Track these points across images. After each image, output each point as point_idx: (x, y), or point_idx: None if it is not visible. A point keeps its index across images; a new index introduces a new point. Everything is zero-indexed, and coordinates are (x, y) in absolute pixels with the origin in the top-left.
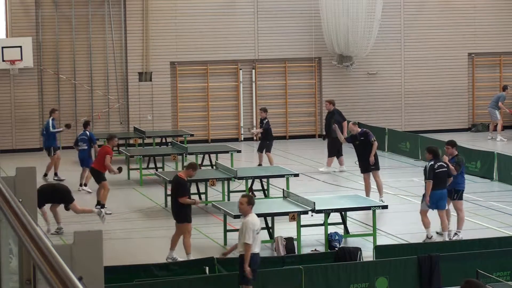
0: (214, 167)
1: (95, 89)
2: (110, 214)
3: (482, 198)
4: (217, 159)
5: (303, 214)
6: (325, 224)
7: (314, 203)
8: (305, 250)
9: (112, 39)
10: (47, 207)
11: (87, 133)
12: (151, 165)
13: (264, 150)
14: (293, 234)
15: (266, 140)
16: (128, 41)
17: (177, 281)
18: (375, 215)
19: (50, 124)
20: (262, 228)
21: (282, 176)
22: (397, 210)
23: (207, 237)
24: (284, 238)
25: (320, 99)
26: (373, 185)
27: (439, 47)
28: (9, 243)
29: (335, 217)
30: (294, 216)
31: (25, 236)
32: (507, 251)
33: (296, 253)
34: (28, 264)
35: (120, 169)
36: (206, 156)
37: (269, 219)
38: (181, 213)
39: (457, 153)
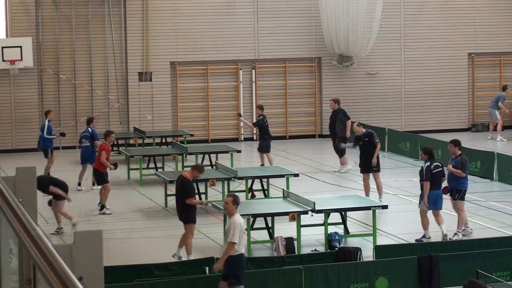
0: (214, 167)
1: (95, 89)
2: (110, 214)
3: (482, 198)
4: (217, 159)
5: (303, 214)
6: (325, 224)
7: (314, 203)
8: (305, 250)
9: (112, 39)
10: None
11: (89, 129)
12: (151, 165)
13: (263, 150)
14: (293, 234)
15: (262, 139)
16: (128, 41)
17: (177, 281)
18: (375, 215)
19: (46, 127)
20: (262, 228)
21: (282, 176)
22: (397, 210)
23: (207, 237)
24: (284, 238)
25: (320, 99)
26: (373, 185)
27: (439, 47)
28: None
29: (335, 217)
30: (294, 216)
31: (25, 236)
32: (507, 251)
33: (296, 253)
34: (28, 264)
35: (115, 165)
36: (206, 156)
37: (269, 219)
38: (187, 214)
39: (460, 152)
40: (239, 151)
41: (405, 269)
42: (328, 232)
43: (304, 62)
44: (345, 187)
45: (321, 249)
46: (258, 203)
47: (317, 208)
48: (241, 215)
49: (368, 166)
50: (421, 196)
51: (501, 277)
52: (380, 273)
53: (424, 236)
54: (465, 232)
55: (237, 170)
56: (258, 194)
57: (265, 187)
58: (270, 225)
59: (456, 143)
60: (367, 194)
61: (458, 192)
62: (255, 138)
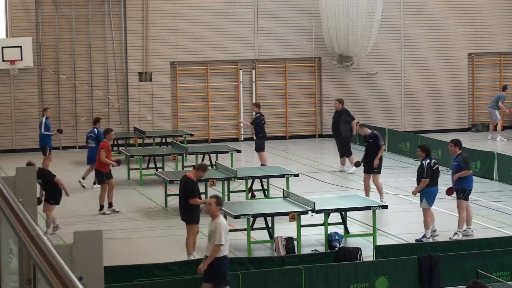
0: (214, 167)
1: (95, 89)
2: (109, 214)
3: (482, 198)
4: (217, 159)
5: (303, 214)
6: (325, 224)
7: (314, 203)
8: (305, 250)
9: (112, 39)
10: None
11: (95, 130)
12: (151, 165)
13: (258, 149)
14: (293, 234)
15: (256, 138)
16: (128, 41)
17: (177, 281)
18: (375, 215)
19: (43, 124)
20: (262, 228)
21: (282, 176)
22: (397, 210)
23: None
24: (284, 238)
25: (320, 99)
26: (373, 186)
27: (439, 47)
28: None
29: (335, 217)
30: (294, 216)
31: (25, 236)
32: (507, 251)
33: (296, 253)
34: (28, 264)
35: (118, 161)
36: (206, 156)
37: (269, 219)
38: (190, 214)
39: (460, 151)
40: (239, 151)
41: (405, 269)
42: (328, 232)
43: (304, 62)
44: (345, 187)
45: (321, 249)
46: (258, 203)
47: (317, 208)
48: (241, 215)
49: (370, 167)
50: (424, 194)
51: (501, 277)
52: (380, 273)
53: (424, 236)
54: (466, 232)
55: (237, 170)
56: (258, 194)
57: (265, 187)
58: (270, 225)
59: (456, 142)
60: (367, 194)
61: (463, 192)
62: (255, 138)
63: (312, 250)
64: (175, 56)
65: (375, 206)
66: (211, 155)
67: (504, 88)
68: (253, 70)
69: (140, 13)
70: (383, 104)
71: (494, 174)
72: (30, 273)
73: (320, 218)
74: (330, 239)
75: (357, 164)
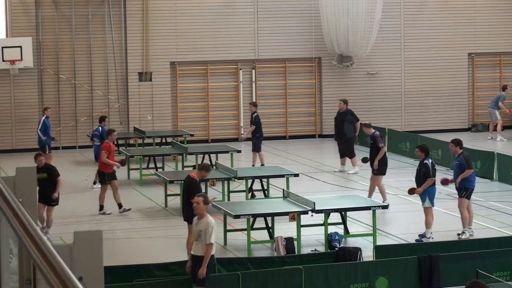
0: (214, 167)
1: (95, 89)
2: (110, 214)
3: (482, 198)
4: (217, 159)
5: (303, 214)
6: (325, 224)
7: (314, 203)
8: (305, 250)
9: (112, 39)
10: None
11: (100, 128)
12: (151, 165)
13: (252, 148)
14: (293, 234)
15: (253, 138)
16: (128, 41)
17: (177, 281)
18: (375, 215)
19: (41, 122)
20: (262, 228)
21: (282, 176)
22: (397, 210)
23: None
24: (284, 238)
25: (320, 99)
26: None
27: (439, 47)
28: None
29: (335, 217)
30: (294, 216)
31: (25, 236)
32: (507, 251)
33: (296, 253)
34: (28, 264)
35: (122, 162)
36: (206, 156)
37: (269, 219)
38: (193, 214)
39: (461, 151)
40: (239, 151)
41: (405, 269)
42: (328, 232)
43: (304, 62)
44: (345, 187)
45: (321, 249)
46: (258, 203)
47: (317, 208)
48: (241, 215)
49: (373, 168)
50: (427, 193)
51: (501, 277)
52: (380, 273)
53: (424, 236)
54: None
55: (237, 170)
56: (258, 194)
57: (265, 187)
58: (270, 225)
59: (457, 142)
60: (369, 195)
61: (465, 191)
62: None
63: (312, 250)
64: (175, 56)
65: (375, 206)
66: (211, 155)
67: (504, 88)
68: (253, 70)
69: (140, 13)
70: (383, 104)
71: (494, 174)
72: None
73: (320, 218)
74: (330, 239)
75: (364, 160)
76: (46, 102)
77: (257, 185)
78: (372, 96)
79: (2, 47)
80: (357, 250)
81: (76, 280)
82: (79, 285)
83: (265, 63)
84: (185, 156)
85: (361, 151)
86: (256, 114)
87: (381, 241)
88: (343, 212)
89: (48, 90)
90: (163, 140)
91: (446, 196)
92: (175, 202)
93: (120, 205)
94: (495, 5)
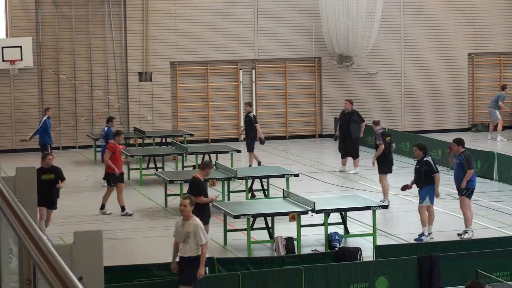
0: (214, 167)
1: (95, 89)
2: (110, 214)
3: (482, 198)
4: (217, 159)
5: (303, 214)
6: (325, 224)
7: (314, 203)
8: (305, 250)
9: (112, 39)
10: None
11: (105, 129)
12: (151, 165)
13: (247, 148)
14: (293, 234)
15: (248, 138)
16: (128, 41)
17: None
18: (375, 215)
19: (43, 122)
20: (262, 228)
21: (282, 176)
22: (397, 210)
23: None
24: (284, 238)
25: (320, 99)
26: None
27: (439, 47)
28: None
29: (335, 217)
30: (294, 216)
31: (25, 236)
32: (507, 251)
33: (296, 253)
34: (28, 264)
35: (121, 174)
36: (206, 156)
37: (269, 219)
38: (198, 214)
39: (463, 150)
40: (239, 151)
41: (405, 269)
42: (328, 232)
43: (304, 62)
44: (345, 187)
45: (321, 249)
46: (258, 203)
47: (317, 208)
48: (241, 215)
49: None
50: (427, 192)
51: (501, 277)
52: (380, 273)
53: (422, 234)
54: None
55: (237, 170)
56: (258, 194)
57: (265, 187)
58: (270, 225)
59: (458, 142)
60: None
61: (466, 189)
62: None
63: (312, 250)
64: (175, 56)
65: (375, 206)
66: (211, 155)
67: (504, 88)
68: (253, 70)
69: (140, 13)
70: (383, 104)
71: (494, 174)
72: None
73: (320, 218)
74: (330, 239)
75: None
76: (46, 102)
77: (257, 185)
78: (372, 96)
79: (2, 47)
80: (357, 250)
81: (76, 280)
82: (79, 285)
83: (265, 63)
84: (185, 156)
85: (364, 152)
86: (251, 113)
87: (381, 241)
88: (343, 212)
89: (48, 90)
90: (163, 140)
91: (446, 196)
92: (175, 202)
93: (123, 208)
94: (495, 5)
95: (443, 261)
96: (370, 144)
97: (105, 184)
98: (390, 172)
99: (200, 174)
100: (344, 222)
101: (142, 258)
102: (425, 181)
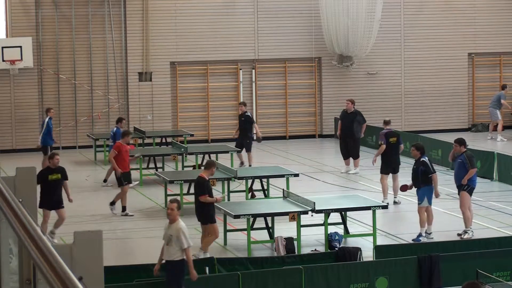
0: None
1: (95, 89)
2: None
3: (482, 198)
4: (217, 159)
5: (303, 214)
6: (325, 224)
7: (314, 203)
8: (305, 250)
9: (112, 39)
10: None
11: (114, 129)
12: (151, 165)
13: (246, 149)
14: (293, 234)
15: (246, 138)
16: (128, 41)
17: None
18: (375, 215)
19: (46, 124)
20: (262, 228)
21: (282, 176)
22: (397, 210)
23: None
24: (284, 238)
25: (320, 99)
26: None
27: (439, 47)
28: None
29: (335, 217)
30: (294, 216)
31: (25, 236)
32: (507, 251)
33: (296, 253)
34: (28, 264)
35: (127, 178)
36: (206, 156)
37: (269, 219)
38: (204, 213)
39: (465, 150)
40: (239, 151)
41: (405, 269)
42: (328, 232)
43: (304, 62)
44: (345, 187)
45: (321, 249)
46: (258, 203)
47: (317, 208)
48: (241, 215)
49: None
50: (425, 193)
51: (501, 277)
52: (380, 273)
53: (420, 235)
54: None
55: (237, 170)
56: (258, 194)
57: (265, 187)
58: (270, 225)
59: (460, 142)
60: (395, 193)
61: (467, 185)
62: (255, 138)
63: (312, 250)
64: (175, 56)
65: (375, 206)
66: (211, 155)
67: (504, 87)
68: (253, 70)
69: (140, 13)
70: (383, 104)
71: (494, 174)
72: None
73: (320, 218)
74: (330, 239)
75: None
76: (46, 102)
77: (257, 185)
78: (372, 96)
79: (2, 47)
80: (357, 250)
81: (76, 280)
82: (79, 285)
83: (265, 63)
84: (185, 156)
85: (364, 152)
86: (247, 113)
87: (381, 241)
88: (343, 212)
89: (48, 90)
90: (163, 140)
91: (446, 196)
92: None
93: (124, 208)
94: (495, 5)
95: (443, 261)
96: (370, 144)
97: (108, 185)
98: (392, 172)
99: (205, 173)
100: (344, 222)
101: (142, 258)
102: (422, 181)
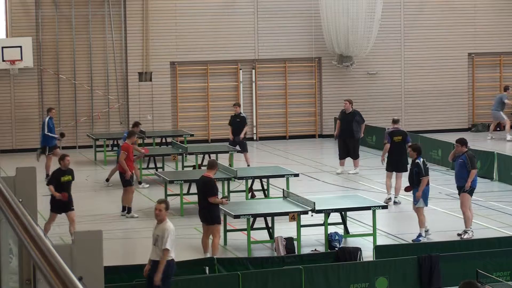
0: None
1: (95, 89)
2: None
3: (482, 198)
4: (217, 159)
5: (303, 214)
6: (325, 224)
7: (314, 203)
8: (305, 250)
9: (112, 39)
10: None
11: (127, 131)
12: (151, 165)
13: (242, 149)
14: (293, 234)
15: (244, 138)
16: (128, 41)
17: (177, 281)
18: (375, 215)
19: (46, 124)
20: (262, 228)
21: (282, 176)
22: (397, 210)
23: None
24: (284, 238)
25: (320, 99)
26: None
27: (439, 47)
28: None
29: (335, 217)
30: (294, 216)
31: (25, 236)
32: (507, 251)
33: (296, 253)
34: (28, 264)
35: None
36: (206, 156)
37: (269, 219)
38: (212, 214)
39: (466, 150)
40: (239, 151)
41: (405, 269)
42: (328, 232)
43: (304, 62)
44: (345, 187)
45: (321, 249)
46: (258, 203)
47: (317, 208)
48: (241, 215)
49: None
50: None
51: (501, 277)
52: (380, 273)
53: (420, 235)
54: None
55: (237, 170)
56: (258, 194)
57: (265, 187)
58: (270, 225)
59: (462, 142)
60: (395, 193)
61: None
62: (255, 138)
63: (312, 250)
64: (175, 56)
65: (375, 206)
66: (211, 155)
67: (506, 89)
68: (253, 70)
69: (140, 13)
70: (383, 104)
71: (494, 174)
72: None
73: (320, 218)
74: (330, 239)
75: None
76: (46, 102)
77: (257, 185)
78: (372, 96)
79: (2, 47)
80: (357, 250)
81: (76, 280)
82: (79, 285)
83: (265, 63)
84: (185, 156)
85: (364, 152)
86: (243, 115)
87: (381, 241)
88: (343, 212)
89: (48, 90)
90: (163, 140)
91: (446, 196)
92: (175, 202)
93: (124, 208)
94: (495, 5)
95: (443, 261)
96: (370, 144)
97: (109, 184)
98: (396, 171)
99: (210, 173)
100: (344, 222)
101: (142, 258)
102: (416, 183)
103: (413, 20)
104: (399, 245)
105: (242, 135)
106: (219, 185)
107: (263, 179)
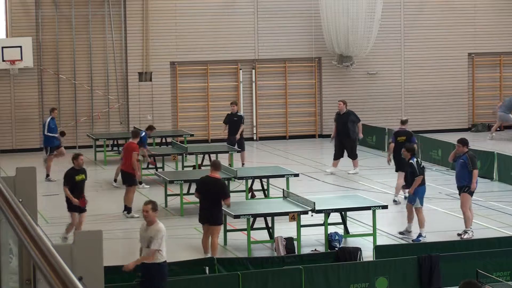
0: None
1: (95, 89)
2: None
3: (482, 198)
4: (217, 159)
5: (303, 214)
6: (325, 224)
7: (314, 203)
8: (305, 250)
9: (112, 39)
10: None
11: (142, 133)
12: (151, 165)
13: (239, 148)
14: (293, 234)
15: (241, 138)
16: (128, 41)
17: (177, 281)
18: (375, 215)
19: (47, 124)
20: (262, 228)
21: (282, 176)
22: (397, 210)
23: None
24: (284, 238)
25: (320, 99)
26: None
27: (439, 47)
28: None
29: (335, 217)
30: (294, 216)
31: (25, 236)
32: (507, 251)
33: (296, 253)
34: (28, 264)
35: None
36: (206, 156)
37: (269, 219)
38: (217, 215)
39: (467, 150)
40: (239, 151)
41: (405, 269)
42: (328, 232)
43: (304, 62)
44: (345, 187)
45: (321, 249)
46: (258, 203)
47: (317, 208)
48: (241, 215)
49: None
50: (416, 193)
51: (501, 277)
52: (380, 273)
53: (420, 235)
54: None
55: (237, 170)
56: (258, 194)
57: (265, 187)
58: (270, 225)
59: (463, 142)
60: (395, 192)
61: (467, 187)
62: (255, 138)
63: (312, 250)
64: (175, 56)
65: (375, 206)
66: (211, 155)
67: None
68: (253, 70)
69: (140, 13)
70: (383, 104)
71: (494, 174)
72: (30, 273)
73: (320, 218)
74: (330, 239)
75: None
76: (46, 102)
77: (257, 185)
78: (372, 96)
79: (2, 47)
80: (357, 250)
81: (76, 280)
82: (79, 285)
83: (265, 63)
84: (185, 156)
85: (364, 152)
86: (239, 113)
87: (381, 241)
88: (343, 212)
89: (48, 90)
90: (163, 140)
91: (446, 196)
92: (175, 202)
93: (126, 208)
94: (495, 5)
95: (443, 261)
96: (370, 144)
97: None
98: (401, 170)
99: (217, 174)
100: (344, 222)
101: None
102: (411, 183)
103: (413, 20)
104: (399, 245)
105: (238, 135)
106: None
107: (263, 179)
